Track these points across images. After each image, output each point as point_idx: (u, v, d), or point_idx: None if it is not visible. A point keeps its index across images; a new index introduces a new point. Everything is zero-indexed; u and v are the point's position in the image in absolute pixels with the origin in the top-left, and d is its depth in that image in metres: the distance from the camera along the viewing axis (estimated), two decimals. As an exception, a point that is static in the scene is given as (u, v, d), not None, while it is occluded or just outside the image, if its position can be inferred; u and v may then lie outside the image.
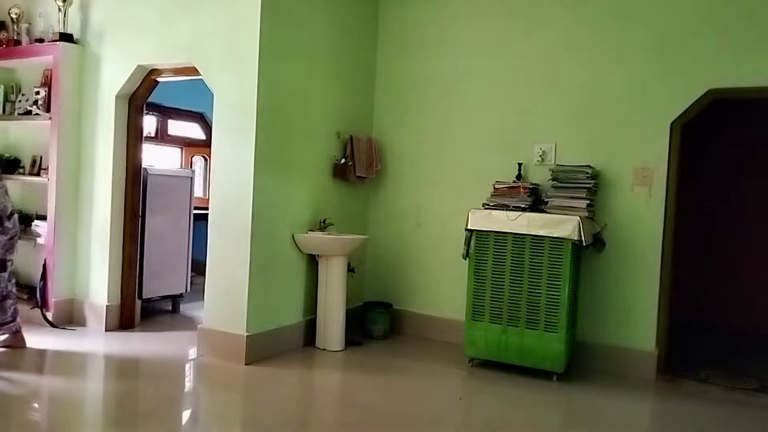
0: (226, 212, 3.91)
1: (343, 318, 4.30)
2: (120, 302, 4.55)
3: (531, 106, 4.37)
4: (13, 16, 4.79)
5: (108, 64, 4.47)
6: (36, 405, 3.21)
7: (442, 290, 4.68)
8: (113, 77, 4.43)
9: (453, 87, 4.66)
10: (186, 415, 3.20)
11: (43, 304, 4.50)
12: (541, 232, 3.76)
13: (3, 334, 3.91)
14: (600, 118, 4.15)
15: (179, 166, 6.81)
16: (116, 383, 3.54)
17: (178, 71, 4.31)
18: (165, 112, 6.51)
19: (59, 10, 4.51)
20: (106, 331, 4.42)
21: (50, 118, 4.50)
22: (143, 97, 4.53)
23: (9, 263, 3.93)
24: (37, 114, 4.63)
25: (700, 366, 4.25)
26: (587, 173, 3.97)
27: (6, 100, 4.89)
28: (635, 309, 4.03)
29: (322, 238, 4.24)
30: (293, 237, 4.18)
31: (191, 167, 6.86)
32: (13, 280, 3.99)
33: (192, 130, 7.04)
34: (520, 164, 4.29)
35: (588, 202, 3.92)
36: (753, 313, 5.41)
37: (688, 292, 5.29)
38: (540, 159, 4.31)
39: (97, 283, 4.50)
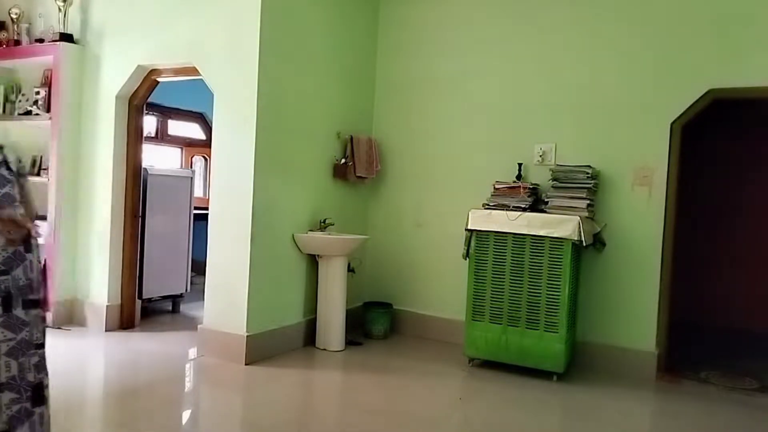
0: (226, 212, 3.91)
1: (343, 318, 4.30)
2: (120, 302, 4.55)
3: (531, 106, 4.37)
4: (13, 16, 4.79)
5: (108, 64, 4.47)
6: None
7: (442, 290, 4.67)
8: (113, 77, 4.43)
9: (453, 87, 4.66)
10: (186, 415, 3.20)
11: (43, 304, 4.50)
12: (541, 232, 3.76)
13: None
14: (600, 118, 4.15)
15: (179, 166, 6.81)
16: (116, 383, 3.54)
17: (178, 71, 4.31)
18: (165, 112, 6.51)
19: (59, 10, 4.51)
20: (106, 331, 4.42)
21: (50, 118, 4.50)
22: (143, 97, 4.53)
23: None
24: (37, 114, 4.63)
25: (700, 366, 4.25)
26: (587, 173, 3.97)
27: (6, 100, 4.89)
28: (635, 309, 4.03)
29: (322, 238, 4.24)
30: (293, 237, 4.18)
31: (191, 167, 6.86)
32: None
33: (192, 130, 7.04)
34: (520, 164, 4.29)
35: (588, 202, 3.92)
36: (753, 312, 5.41)
37: (688, 292, 5.29)
38: (540, 159, 4.31)
39: (97, 283, 4.50)
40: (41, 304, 2.28)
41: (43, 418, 2.22)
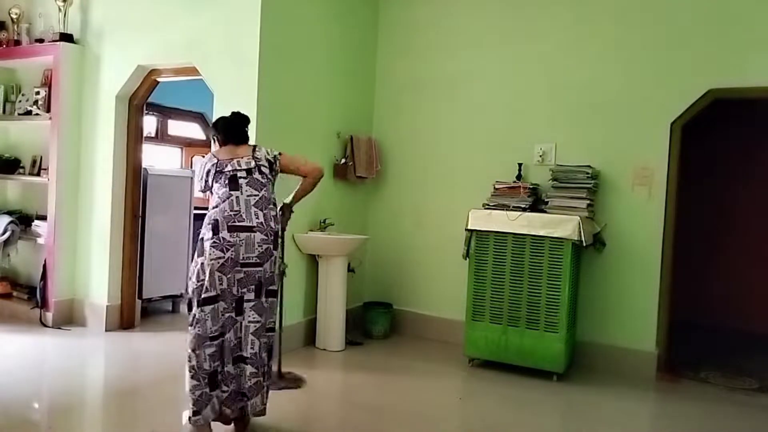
0: (226, 212, 3.90)
1: (343, 318, 4.30)
2: (120, 302, 4.55)
3: (531, 106, 4.37)
4: (13, 16, 4.79)
5: (108, 64, 4.46)
6: (36, 405, 3.21)
7: (442, 290, 4.67)
8: (113, 77, 4.43)
9: (453, 87, 4.66)
10: (186, 415, 3.19)
11: (43, 305, 4.50)
12: (541, 232, 3.76)
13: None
14: (600, 118, 4.15)
15: (179, 166, 6.81)
16: (116, 383, 3.54)
17: (178, 71, 4.31)
18: (165, 112, 6.51)
19: (59, 10, 4.51)
20: (106, 331, 4.42)
21: (50, 118, 4.50)
22: (143, 97, 4.53)
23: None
24: (37, 114, 4.63)
25: (700, 366, 4.25)
26: (587, 173, 3.97)
27: (6, 100, 4.90)
28: (635, 309, 4.03)
29: (322, 238, 4.24)
30: (293, 237, 4.18)
31: (191, 167, 6.85)
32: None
33: (192, 130, 7.04)
34: (520, 164, 4.29)
35: (588, 202, 3.92)
36: (753, 312, 5.41)
37: (688, 292, 5.29)
38: (540, 159, 4.31)
39: (97, 283, 4.50)
40: (277, 294, 2.79)
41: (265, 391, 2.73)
